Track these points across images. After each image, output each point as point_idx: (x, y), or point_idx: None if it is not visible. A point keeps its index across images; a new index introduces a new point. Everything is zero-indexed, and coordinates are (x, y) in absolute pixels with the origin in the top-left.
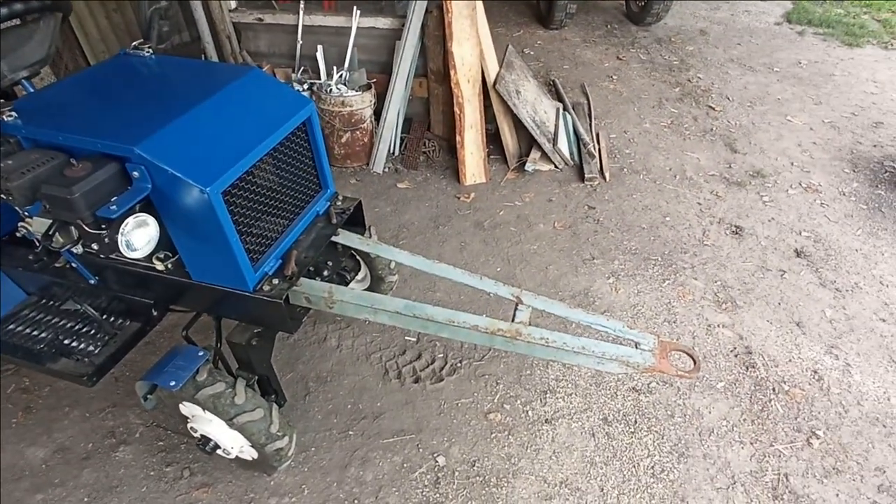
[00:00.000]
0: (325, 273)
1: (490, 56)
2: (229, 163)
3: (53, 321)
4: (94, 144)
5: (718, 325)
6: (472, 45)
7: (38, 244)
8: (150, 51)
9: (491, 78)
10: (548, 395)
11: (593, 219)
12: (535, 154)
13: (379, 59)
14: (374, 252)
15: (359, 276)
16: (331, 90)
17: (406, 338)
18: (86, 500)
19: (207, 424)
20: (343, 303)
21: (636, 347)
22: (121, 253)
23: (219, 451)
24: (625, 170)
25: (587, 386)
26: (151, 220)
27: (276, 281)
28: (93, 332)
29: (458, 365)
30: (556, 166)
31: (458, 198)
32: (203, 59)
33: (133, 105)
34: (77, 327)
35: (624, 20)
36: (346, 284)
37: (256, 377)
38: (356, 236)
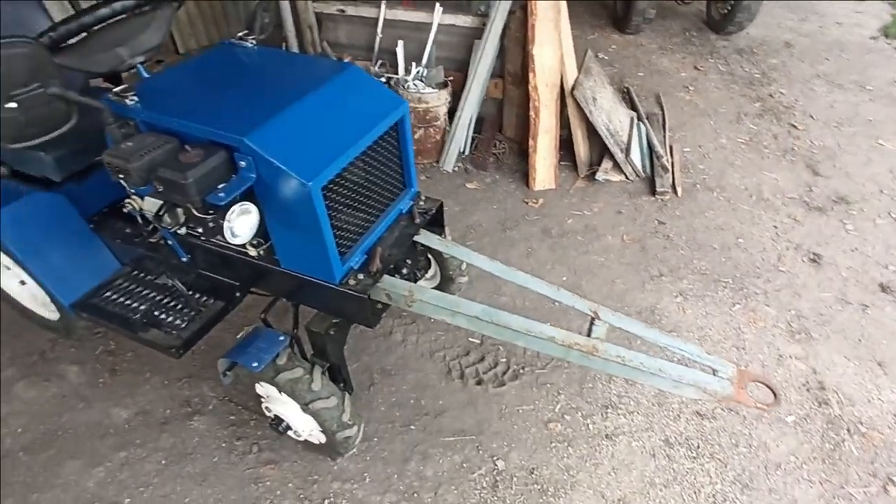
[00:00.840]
0: (404, 271)
1: (570, 60)
2: (329, 158)
3: (146, 293)
4: (206, 132)
5: (790, 357)
6: (553, 49)
7: (140, 220)
8: (254, 41)
9: (569, 83)
10: (609, 411)
11: (663, 234)
12: (606, 164)
13: (456, 57)
14: (454, 255)
15: (428, 274)
16: (407, 86)
17: (470, 339)
18: (163, 462)
19: (282, 406)
20: (423, 303)
21: (714, 374)
22: (223, 238)
23: (290, 433)
24: (698, 186)
25: (650, 405)
26: (254, 208)
27: (360, 276)
28: (180, 307)
29: (521, 371)
30: (627, 177)
31: (527, 202)
32: (284, 47)
33: (240, 95)
34: (166, 301)
35: (703, 28)
36: (416, 281)
37: (328, 365)
38: (436, 237)
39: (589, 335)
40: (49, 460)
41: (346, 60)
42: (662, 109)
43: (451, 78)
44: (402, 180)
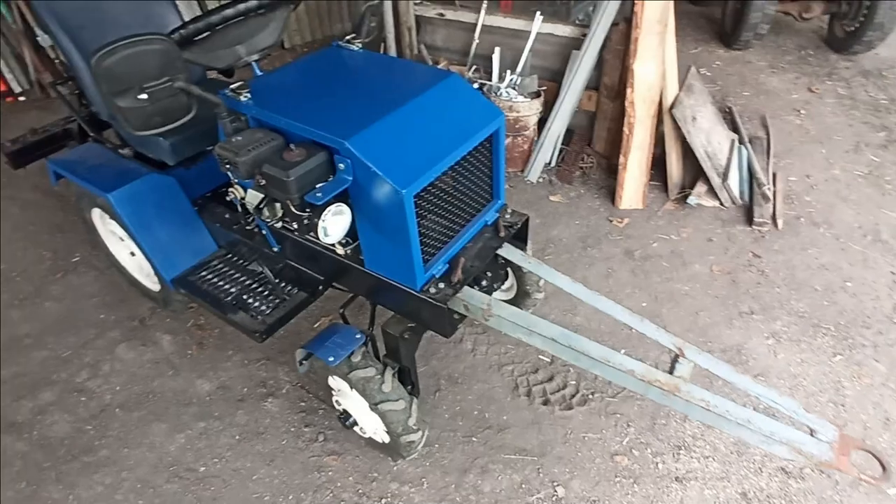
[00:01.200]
0: (483, 283)
1: (671, 76)
2: (424, 167)
3: (237, 276)
4: (310, 133)
5: None
6: (655, 65)
7: (240, 209)
8: (360, 44)
9: (668, 100)
10: (682, 452)
11: (757, 269)
12: (700, 187)
13: (551, 67)
14: (536, 272)
15: (505, 286)
16: (500, 93)
17: (540, 356)
18: (237, 437)
19: (351, 402)
20: (500, 318)
21: (811, 434)
22: (315, 235)
23: (356, 428)
24: (802, 219)
25: (728, 452)
26: (347, 210)
27: (441, 285)
28: (267, 293)
29: (590, 396)
30: (721, 204)
31: (611, 221)
32: (382, 47)
33: (344, 98)
34: (255, 286)
35: (822, 46)
36: (493, 293)
37: (399, 366)
38: (519, 252)
39: (671, 372)
40: (140, 420)
41: (441, 64)
42: (768, 133)
43: (544, 87)
44: (491, 191)
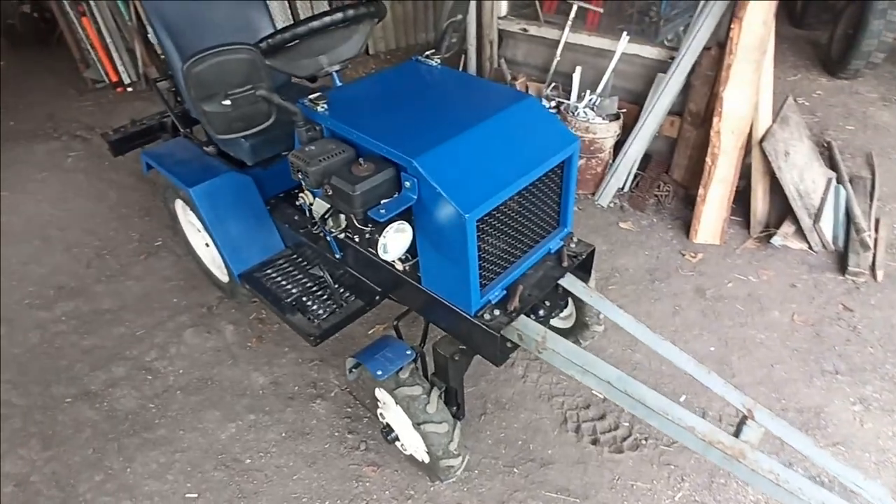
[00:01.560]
0: (540, 312)
1: (765, 106)
2: (491, 191)
3: (299, 278)
4: (380, 148)
5: None
6: (748, 94)
7: (307, 214)
8: (439, 60)
9: (759, 132)
10: None
11: (848, 323)
12: (787, 227)
13: (634, 89)
14: (597, 307)
15: (564, 314)
16: (578, 113)
17: (594, 392)
18: (283, 434)
19: (395, 416)
20: (554, 353)
21: None
22: (375, 251)
23: (397, 444)
24: None
25: None
26: (409, 228)
27: (496, 311)
28: (326, 297)
29: (643, 442)
30: (810, 247)
31: (683, 255)
32: (463, 59)
33: (417, 115)
34: (315, 289)
35: None
36: (550, 320)
37: (445, 386)
38: (581, 283)
39: (737, 435)
40: (197, 404)
41: (520, 80)
42: (873, 173)
43: (624, 110)
44: (558, 219)
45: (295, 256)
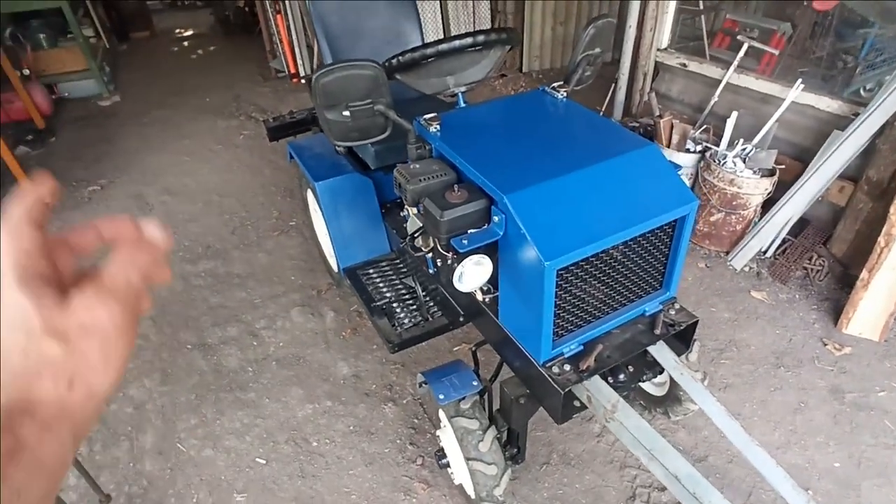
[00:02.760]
0: (621, 377)
1: None
2: (581, 242)
3: (395, 283)
4: (476, 177)
5: None
6: None
7: (406, 227)
8: (565, 94)
9: None
10: None
11: None
12: None
13: (800, 143)
14: (685, 388)
15: (658, 380)
16: (724, 162)
17: None
18: (351, 428)
19: (450, 444)
20: (622, 426)
21: None
22: (452, 279)
23: (448, 470)
24: None
25: None
26: (489, 263)
27: (567, 367)
28: (414, 308)
29: None
30: None
31: (825, 344)
32: (613, 87)
33: (524, 148)
34: (406, 298)
35: None
36: (639, 383)
37: (508, 427)
38: (672, 356)
39: None
40: (286, 379)
41: (666, 117)
42: None
43: (782, 165)
44: (660, 281)
45: (397, 262)
